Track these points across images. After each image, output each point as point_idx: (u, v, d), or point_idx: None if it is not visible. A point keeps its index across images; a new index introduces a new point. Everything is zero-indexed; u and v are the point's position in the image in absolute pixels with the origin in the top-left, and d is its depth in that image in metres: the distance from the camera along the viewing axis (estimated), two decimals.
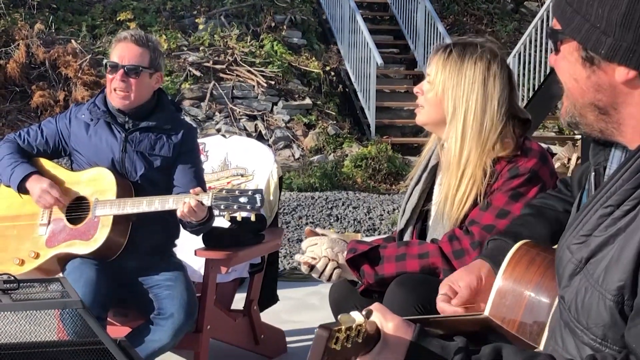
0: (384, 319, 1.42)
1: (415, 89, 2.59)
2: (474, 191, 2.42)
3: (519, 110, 2.53)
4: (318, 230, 2.68)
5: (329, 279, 2.56)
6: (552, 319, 1.59)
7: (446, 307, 1.91)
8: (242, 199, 2.99)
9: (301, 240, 2.81)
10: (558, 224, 1.89)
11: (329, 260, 2.54)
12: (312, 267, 2.55)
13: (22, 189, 3.27)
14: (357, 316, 1.36)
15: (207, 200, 3.03)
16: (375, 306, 1.43)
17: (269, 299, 4.03)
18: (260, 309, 3.96)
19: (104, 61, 3.37)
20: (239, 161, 4.14)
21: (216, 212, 3.10)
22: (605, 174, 1.49)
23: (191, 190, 3.09)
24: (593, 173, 1.52)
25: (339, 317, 1.34)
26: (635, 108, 1.39)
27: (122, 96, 3.26)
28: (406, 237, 2.62)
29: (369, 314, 1.38)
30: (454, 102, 2.47)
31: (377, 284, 2.46)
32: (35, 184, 3.24)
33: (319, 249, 2.56)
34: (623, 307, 1.33)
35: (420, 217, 2.62)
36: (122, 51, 3.27)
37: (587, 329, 1.39)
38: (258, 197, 2.99)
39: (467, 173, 2.43)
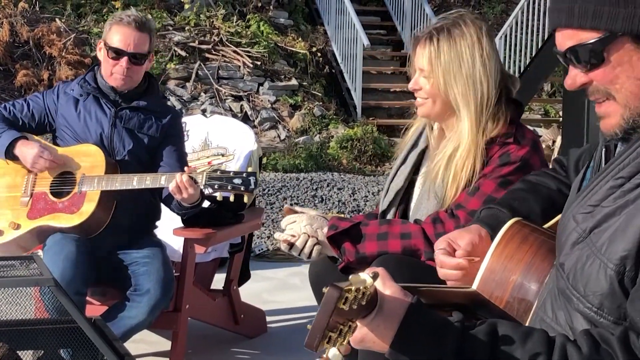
0: (384, 285, 1.41)
1: (412, 87, 2.50)
2: (469, 171, 2.37)
3: (509, 78, 2.48)
4: (297, 207, 2.65)
5: (309, 256, 2.51)
6: (542, 291, 1.59)
7: (447, 259, 1.84)
8: (237, 180, 3.01)
9: None
10: (550, 202, 1.90)
11: (309, 237, 2.50)
12: (291, 245, 2.51)
13: (10, 155, 3.25)
14: (366, 277, 1.35)
15: (200, 179, 3.04)
16: (380, 271, 1.42)
17: (242, 276, 4.02)
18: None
19: (101, 42, 3.30)
20: (219, 141, 4.13)
21: (209, 190, 3.12)
22: (616, 152, 1.50)
23: (186, 168, 3.11)
24: (604, 149, 1.54)
25: (350, 277, 1.32)
26: None
27: (123, 79, 3.28)
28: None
29: (375, 276, 1.37)
30: (462, 87, 2.40)
31: (358, 261, 2.43)
32: (26, 149, 3.21)
33: (297, 226, 2.53)
34: (623, 278, 1.35)
35: (404, 199, 2.58)
36: (127, 37, 3.23)
37: (584, 296, 1.40)
38: (252, 179, 3.01)
39: (471, 152, 2.38)
